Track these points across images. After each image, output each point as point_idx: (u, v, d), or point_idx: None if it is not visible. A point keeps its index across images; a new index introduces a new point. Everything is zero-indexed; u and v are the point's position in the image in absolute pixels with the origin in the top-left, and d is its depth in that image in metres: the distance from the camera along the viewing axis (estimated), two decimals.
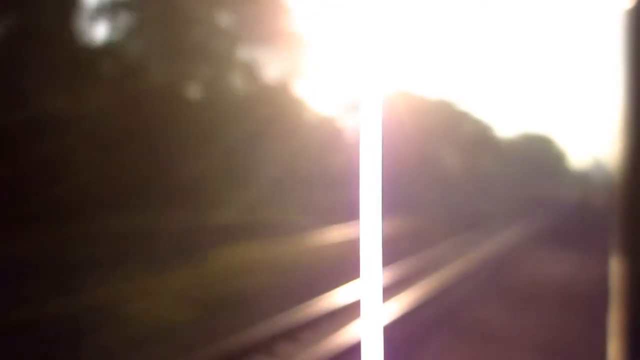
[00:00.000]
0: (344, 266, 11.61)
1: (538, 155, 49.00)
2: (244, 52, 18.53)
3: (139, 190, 12.86)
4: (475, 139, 35.69)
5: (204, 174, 15.10)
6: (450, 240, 15.97)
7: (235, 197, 16.90)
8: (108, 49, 14.44)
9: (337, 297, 8.24)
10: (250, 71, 17.90)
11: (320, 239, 15.11)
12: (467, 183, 31.58)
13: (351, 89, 21.85)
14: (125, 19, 14.88)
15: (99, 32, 15.01)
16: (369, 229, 1.13)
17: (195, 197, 14.65)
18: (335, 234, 15.77)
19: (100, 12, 14.26)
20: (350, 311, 7.71)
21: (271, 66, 18.97)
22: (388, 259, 11.14)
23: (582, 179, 40.91)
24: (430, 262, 11.85)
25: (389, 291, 8.76)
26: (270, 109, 17.78)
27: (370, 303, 1.14)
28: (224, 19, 17.59)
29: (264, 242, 13.85)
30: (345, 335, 6.40)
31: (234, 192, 16.88)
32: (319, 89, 24.13)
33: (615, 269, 1.29)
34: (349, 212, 17.52)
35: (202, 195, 15.03)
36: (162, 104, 14.24)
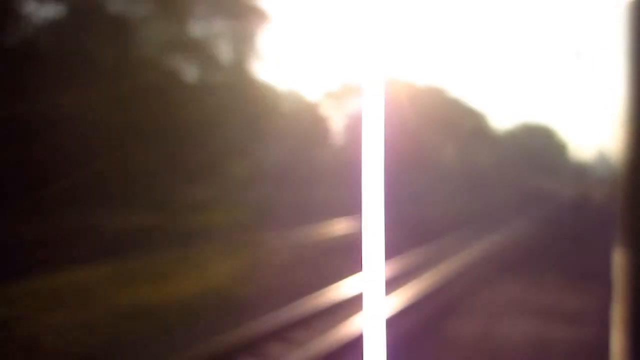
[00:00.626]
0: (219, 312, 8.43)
1: (538, 147, 49.78)
2: (196, 29, 18.38)
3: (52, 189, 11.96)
4: (469, 128, 36.03)
5: (136, 168, 14.48)
6: (411, 253, 13.10)
7: (173, 195, 15.99)
8: (47, 29, 14.24)
9: None
10: (204, 51, 17.74)
11: (249, 250, 13.23)
12: (458, 176, 31.83)
13: (339, 72, 21.77)
14: None
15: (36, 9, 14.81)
16: (371, 223, 1.25)
17: (111, 196, 13.66)
18: (280, 242, 14.10)
19: None
20: None
21: (232, 45, 18.90)
22: (310, 286, 8.89)
23: (585, 171, 41.45)
24: (345, 304, 8.46)
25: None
26: (232, 95, 17.67)
27: (372, 298, 1.25)
28: None
29: (152, 257, 11.33)
30: None
31: (172, 190, 15.96)
32: (300, 72, 24.00)
33: (618, 261, 1.44)
34: (319, 211, 17.31)
35: (122, 194, 14.05)
36: (104, 89, 14.06)
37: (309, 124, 21.23)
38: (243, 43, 18.90)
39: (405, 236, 14.51)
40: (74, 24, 14.85)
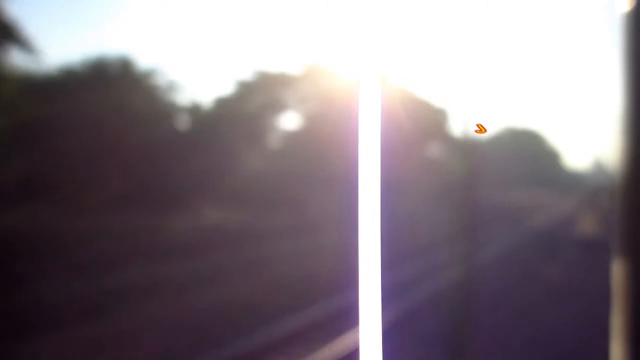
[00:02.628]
0: None
1: (525, 155, 49.69)
2: None
3: None
4: (430, 130, 35.13)
5: None
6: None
7: None
8: None
9: None
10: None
11: None
12: (417, 192, 30.57)
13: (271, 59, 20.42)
14: None
15: None
16: (367, 233, 1.36)
17: None
18: None
19: None
20: None
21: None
22: None
23: (579, 182, 41.80)
24: None
25: None
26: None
27: (368, 310, 1.36)
28: None
29: None
30: None
31: None
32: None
33: (618, 269, 1.60)
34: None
35: None
36: None
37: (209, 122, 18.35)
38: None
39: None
40: None
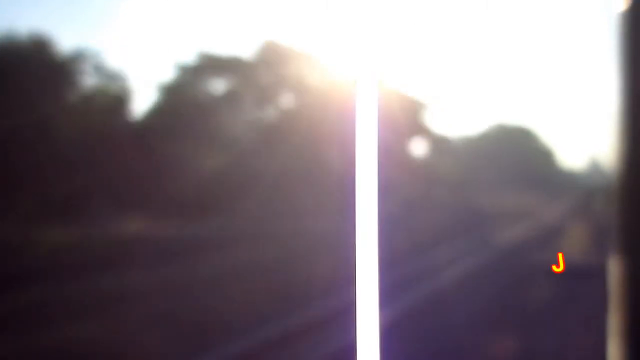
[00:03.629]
0: None
1: (516, 153, 49.46)
2: None
3: None
4: (414, 127, 34.36)
5: None
6: None
7: None
8: None
9: None
10: None
11: None
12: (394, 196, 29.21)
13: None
14: None
15: None
16: (365, 233, 1.41)
17: None
18: None
19: None
20: None
21: None
22: None
23: (573, 183, 41.88)
24: None
25: None
26: None
27: (366, 307, 1.41)
28: None
29: None
30: None
31: None
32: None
33: (615, 268, 1.63)
34: None
35: None
36: None
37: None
38: None
39: None
40: None
